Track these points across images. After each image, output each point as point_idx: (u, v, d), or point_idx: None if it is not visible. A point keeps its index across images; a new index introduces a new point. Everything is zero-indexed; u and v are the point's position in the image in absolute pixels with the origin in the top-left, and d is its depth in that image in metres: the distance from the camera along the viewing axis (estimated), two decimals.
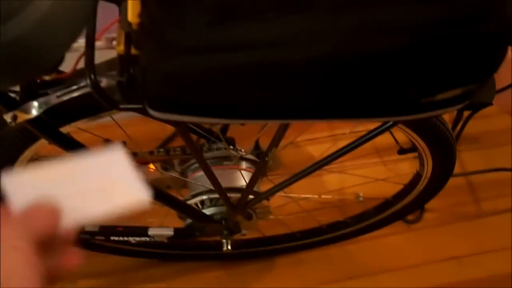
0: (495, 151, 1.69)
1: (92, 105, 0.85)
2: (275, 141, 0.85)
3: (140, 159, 1.17)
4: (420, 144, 1.04)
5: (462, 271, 1.51)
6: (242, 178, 1.14)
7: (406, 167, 1.30)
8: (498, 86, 1.26)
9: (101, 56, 0.82)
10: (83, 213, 0.46)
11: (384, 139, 1.06)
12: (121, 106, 0.76)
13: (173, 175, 1.18)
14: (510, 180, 1.62)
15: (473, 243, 1.55)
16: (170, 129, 1.46)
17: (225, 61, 0.63)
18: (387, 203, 1.31)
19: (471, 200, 1.62)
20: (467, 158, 1.67)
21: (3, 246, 0.41)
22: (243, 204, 1.06)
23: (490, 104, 0.86)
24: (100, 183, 0.48)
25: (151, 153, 1.19)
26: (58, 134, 0.89)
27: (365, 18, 0.61)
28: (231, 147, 1.17)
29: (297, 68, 0.63)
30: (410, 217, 1.57)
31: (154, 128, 1.18)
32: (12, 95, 0.82)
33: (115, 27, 0.78)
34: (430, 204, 1.57)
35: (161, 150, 1.19)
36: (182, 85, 0.67)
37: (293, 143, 1.19)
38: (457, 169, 1.62)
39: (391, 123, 0.85)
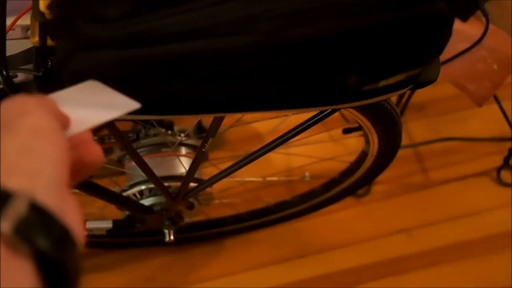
0: (441, 119, 1.67)
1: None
2: (211, 132, 0.80)
3: None
4: (365, 123, 1.00)
5: (412, 243, 1.49)
6: (182, 165, 1.08)
7: (354, 143, 1.26)
8: (445, 56, 1.23)
9: (18, 46, 0.75)
10: (87, 122, 0.45)
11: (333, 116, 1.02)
12: None
13: (108, 166, 1.11)
14: (457, 149, 1.61)
15: (422, 214, 1.53)
16: None
17: (148, 54, 0.57)
18: (334, 181, 1.28)
19: (419, 170, 1.60)
20: (413, 128, 1.65)
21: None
22: (183, 194, 1.00)
23: (434, 81, 0.82)
24: (92, 100, 0.48)
25: None
26: None
27: (300, 2, 0.55)
28: (169, 131, 1.11)
29: (229, 58, 0.58)
30: (358, 191, 1.54)
31: None
32: None
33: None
34: (378, 177, 1.55)
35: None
36: (101, 80, 0.61)
37: (234, 126, 1.13)
38: (404, 140, 1.60)
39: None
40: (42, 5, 0.62)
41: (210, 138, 0.81)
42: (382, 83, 0.65)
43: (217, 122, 0.78)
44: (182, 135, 1.11)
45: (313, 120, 0.82)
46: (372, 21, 0.57)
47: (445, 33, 0.62)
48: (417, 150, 1.62)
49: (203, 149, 0.84)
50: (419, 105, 1.67)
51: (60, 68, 0.60)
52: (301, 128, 0.84)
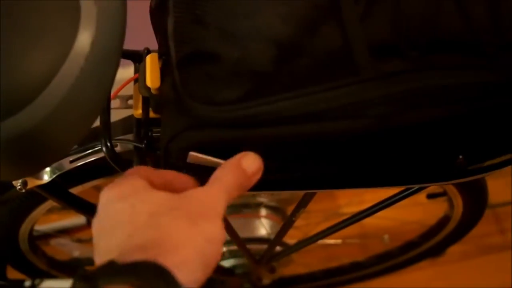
0: None
1: (107, 168, 0.80)
2: (303, 203, 0.79)
3: None
4: (451, 189, 0.98)
5: None
6: (263, 227, 1.08)
7: (436, 207, 1.24)
8: None
9: (118, 115, 0.77)
10: None
11: None
12: None
13: None
14: None
15: (499, 277, 1.48)
16: None
17: (258, 135, 0.57)
18: (412, 244, 1.25)
19: (497, 231, 1.56)
20: (492, 187, 1.61)
21: None
22: (268, 257, 0.99)
23: None
24: None
25: None
26: (68, 196, 0.83)
27: (418, 86, 0.55)
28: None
29: (338, 141, 0.57)
30: None
31: None
32: None
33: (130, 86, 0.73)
34: None
35: None
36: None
37: None
38: None
39: None
40: (149, 81, 0.64)
41: (302, 209, 0.81)
42: (488, 163, 0.64)
43: (310, 196, 0.77)
44: (263, 195, 1.11)
45: (406, 193, 0.80)
46: (484, 105, 0.57)
47: None
48: (495, 211, 1.58)
49: (292, 218, 0.84)
50: None
51: (168, 143, 0.61)
52: (392, 200, 0.83)
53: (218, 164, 0.54)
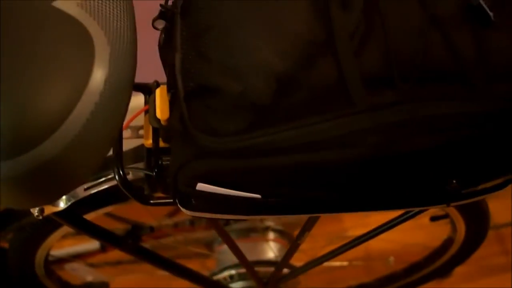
0: None
1: (119, 195, 0.83)
2: (308, 227, 0.83)
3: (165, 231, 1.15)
4: (453, 211, 1.01)
5: None
6: (270, 250, 1.11)
7: (439, 229, 1.26)
8: None
9: (129, 144, 0.80)
10: None
11: None
12: (152, 202, 0.74)
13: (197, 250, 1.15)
14: None
15: None
16: None
17: (259, 165, 0.60)
18: (417, 266, 1.28)
19: (501, 252, 1.58)
20: (494, 208, 1.63)
21: None
22: (275, 280, 1.03)
23: None
24: None
25: (175, 225, 1.17)
26: (83, 223, 0.87)
27: (409, 116, 0.59)
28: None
29: (338, 169, 0.61)
30: None
31: None
32: None
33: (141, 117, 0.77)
34: None
35: (186, 221, 1.17)
36: (215, 184, 0.65)
37: None
38: None
39: None
40: (159, 113, 0.68)
41: (307, 232, 0.84)
42: (481, 186, 0.67)
43: (314, 219, 0.81)
44: (271, 222, 1.14)
45: (406, 216, 0.84)
46: (473, 133, 0.60)
47: None
48: (498, 232, 1.60)
49: (297, 241, 0.87)
50: None
51: (177, 172, 0.64)
52: (394, 223, 0.86)
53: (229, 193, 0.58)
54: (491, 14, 0.59)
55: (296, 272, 1.02)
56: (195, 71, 0.62)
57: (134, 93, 0.73)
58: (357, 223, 1.48)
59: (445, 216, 1.06)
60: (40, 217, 0.78)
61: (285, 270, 1.06)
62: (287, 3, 0.62)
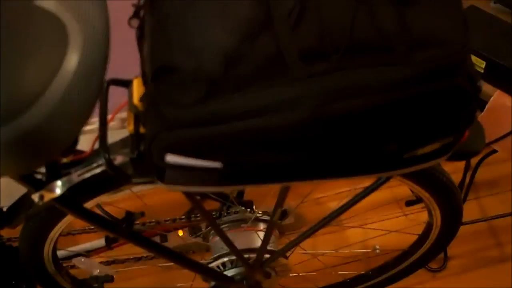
0: None
1: (110, 181, 0.93)
2: (279, 203, 0.92)
3: (162, 227, 1.24)
4: (424, 194, 1.09)
5: None
6: (260, 239, 1.20)
7: (423, 216, 1.34)
8: (502, 131, 1.32)
9: (118, 135, 0.90)
10: None
11: (405, 190, 1.13)
12: (134, 180, 0.84)
13: (195, 240, 1.24)
14: None
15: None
16: None
17: (218, 131, 0.70)
18: (405, 253, 1.35)
19: (494, 244, 1.64)
20: (487, 204, 1.70)
21: None
22: (259, 264, 1.11)
23: (478, 152, 0.91)
24: None
25: (173, 220, 1.26)
26: (83, 210, 0.96)
27: (340, 82, 0.68)
28: (248, 209, 1.24)
29: (283, 132, 0.70)
30: (434, 266, 1.59)
31: (177, 195, 1.26)
32: (39, 176, 0.90)
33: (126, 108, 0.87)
34: (453, 251, 1.61)
35: (183, 217, 1.26)
36: (183, 154, 0.74)
37: (304, 202, 1.25)
38: (478, 215, 1.66)
39: (383, 179, 0.91)
40: (136, 99, 0.78)
41: (279, 209, 0.93)
42: (420, 151, 0.76)
43: (283, 193, 0.90)
44: (261, 211, 1.23)
45: (368, 190, 0.92)
46: (398, 96, 0.69)
47: (468, 105, 0.72)
48: (490, 224, 1.66)
49: (272, 219, 0.96)
50: (492, 181, 1.74)
51: (149, 146, 0.74)
52: (358, 197, 0.94)
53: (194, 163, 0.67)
54: None
55: (276, 253, 1.11)
56: (159, 54, 0.72)
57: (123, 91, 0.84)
58: None
59: (419, 200, 1.13)
60: (40, 203, 0.88)
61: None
62: None
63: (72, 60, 0.65)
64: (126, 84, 0.87)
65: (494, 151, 1.45)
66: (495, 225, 1.67)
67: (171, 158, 0.73)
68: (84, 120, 0.70)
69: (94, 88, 0.69)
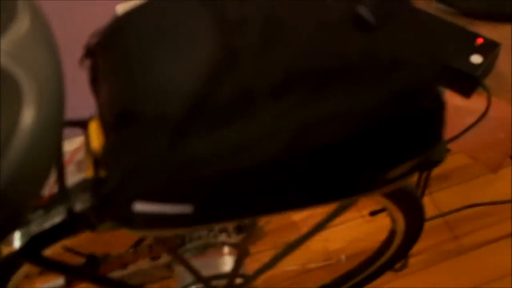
0: (467, 186, 1.75)
1: (72, 228, 0.89)
2: (249, 231, 0.90)
3: (124, 260, 1.20)
4: (388, 204, 1.08)
5: None
6: (227, 264, 1.17)
7: (380, 224, 1.34)
8: (454, 131, 1.33)
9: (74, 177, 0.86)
10: None
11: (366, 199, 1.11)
12: (98, 229, 0.80)
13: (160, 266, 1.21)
14: (485, 213, 1.68)
15: (458, 281, 1.59)
16: None
17: (187, 176, 0.67)
18: (370, 260, 1.35)
19: (451, 238, 1.67)
20: (441, 198, 1.73)
21: None
22: None
23: (441, 162, 0.91)
24: None
25: (135, 252, 1.22)
26: (42, 259, 0.92)
27: (311, 114, 0.66)
28: (210, 232, 1.21)
29: (256, 170, 0.68)
30: (396, 265, 1.60)
31: None
32: None
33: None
34: (413, 249, 1.62)
35: (145, 247, 1.22)
36: (149, 200, 0.71)
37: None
38: (433, 210, 1.68)
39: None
40: (95, 144, 0.74)
41: (249, 238, 0.91)
42: (392, 174, 0.75)
43: (252, 224, 0.88)
44: (224, 234, 1.20)
45: (339, 210, 0.91)
46: (370, 122, 0.68)
47: (437, 123, 0.72)
48: (446, 219, 1.69)
49: (241, 249, 0.94)
50: (444, 175, 1.76)
51: (113, 195, 0.71)
52: (331, 217, 0.93)
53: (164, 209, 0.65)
54: (371, 19, 0.67)
55: (249, 279, 1.08)
56: (120, 100, 0.68)
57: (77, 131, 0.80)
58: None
59: (383, 209, 1.13)
60: None
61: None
62: (192, 31, 0.70)
63: (28, 118, 0.61)
64: (82, 125, 0.84)
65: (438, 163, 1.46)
66: (450, 219, 1.69)
67: (139, 206, 0.70)
68: (48, 177, 0.66)
69: (54, 142, 0.65)
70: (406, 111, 0.68)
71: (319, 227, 0.95)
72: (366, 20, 0.67)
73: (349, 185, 0.74)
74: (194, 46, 0.68)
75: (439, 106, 0.71)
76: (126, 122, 0.67)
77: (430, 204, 1.71)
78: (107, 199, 0.77)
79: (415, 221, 1.16)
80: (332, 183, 0.73)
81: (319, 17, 0.69)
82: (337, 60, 0.67)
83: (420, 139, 0.72)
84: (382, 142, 0.70)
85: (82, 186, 0.86)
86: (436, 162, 0.92)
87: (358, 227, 1.59)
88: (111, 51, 0.72)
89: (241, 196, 0.71)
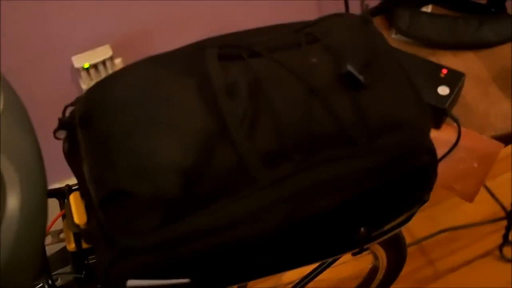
0: (437, 209, 1.75)
1: None
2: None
3: None
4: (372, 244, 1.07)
5: None
6: None
7: (363, 262, 1.33)
8: None
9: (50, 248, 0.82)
10: None
11: None
12: None
13: None
14: (457, 236, 1.68)
15: None
16: None
17: (184, 253, 0.64)
18: None
19: (426, 263, 1.66)
20: (412, 223, 1.71)
21: None
22: None
23: (426, 201, 0.90)
24: None
25: None
26: None
27: (307, 182, 0.64)
28: None
29: (253, 241, 0.65)
30: None
31: None
32: None
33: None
34: None
35: None
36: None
37: None
38: (406, 238, 1.67)
39: None
40: (77, 219, 0.70)
41: None
42: (387, 227, 0.74)
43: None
44: None
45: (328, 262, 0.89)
46: (365, 187, 0.66)
47: (432, 174, 0.71)
48: (421, 245, 1.68)
49: None
50: None
51: (105, 273, 0.67)
52: (319, 270, 0.91)
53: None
54: (361, 77, 0.66)
55: None
56: (104, 179, 0.65)
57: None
58: None
59: (366, 249, 1.12)
60: None
61: None
62: (178, 102, 0.67)
63: (13, 207, 0.57)
64: (59, 195, 0.80)
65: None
66: (424, 245, 1.69)
67: (132, 283, 0.66)
68: (39, 262, 0.63)
69: (42, 229, 0.61)
70: (402, 170, 0.67)
71: (313, 275, 0.93)
72: (357, 79, 0.65)
73: (347, 242, 0.72)
74: (182, 117, 0.66)
75: (433, 159, 0.70)
76: (115, 200, 0.63)
77: (403, 230, 1.70)
78: (92, 272, 0.74)
79: (398, 258, 1.16)
80: (330, 244, 0.71)
81: (306, 79, 0.67)
82: (329, 123, 0.65)
83: (417, 192, 0.72)
84: (379, 201, 0.69)
85: (62, 258, 0.82)
86: (424, 202, 0.92)
87: (339, 268, 1.58)
88: (91, 123, 0.68)
89: (236, 265, 0.68)
